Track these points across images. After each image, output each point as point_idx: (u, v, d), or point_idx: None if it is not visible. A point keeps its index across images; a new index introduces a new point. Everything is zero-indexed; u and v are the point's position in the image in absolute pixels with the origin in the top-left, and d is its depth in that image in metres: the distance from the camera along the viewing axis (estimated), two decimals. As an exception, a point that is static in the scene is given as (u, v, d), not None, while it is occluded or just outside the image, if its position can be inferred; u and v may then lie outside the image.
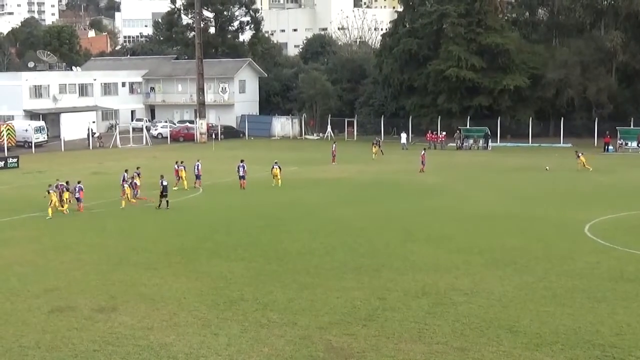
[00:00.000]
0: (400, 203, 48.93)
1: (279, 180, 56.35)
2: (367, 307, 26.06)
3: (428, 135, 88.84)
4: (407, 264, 32.14)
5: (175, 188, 53.72)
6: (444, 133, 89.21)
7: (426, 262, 32.32)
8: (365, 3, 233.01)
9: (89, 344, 22.87)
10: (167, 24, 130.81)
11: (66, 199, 46.58)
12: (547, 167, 64.51)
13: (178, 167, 55.96)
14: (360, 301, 26.65)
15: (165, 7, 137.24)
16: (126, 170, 51.80)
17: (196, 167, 56.33)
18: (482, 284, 28.78)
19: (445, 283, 28.86)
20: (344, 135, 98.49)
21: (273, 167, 56.98)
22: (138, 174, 52.04)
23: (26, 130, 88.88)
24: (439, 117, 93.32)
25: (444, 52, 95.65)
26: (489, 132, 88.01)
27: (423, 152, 66.15)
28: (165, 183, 47.33)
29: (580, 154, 65.24)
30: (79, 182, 47.69)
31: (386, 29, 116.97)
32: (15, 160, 71.89)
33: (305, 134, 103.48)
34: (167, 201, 47.03)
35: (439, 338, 23.07)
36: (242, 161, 56.16)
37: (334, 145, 74.13)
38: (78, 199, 46.87)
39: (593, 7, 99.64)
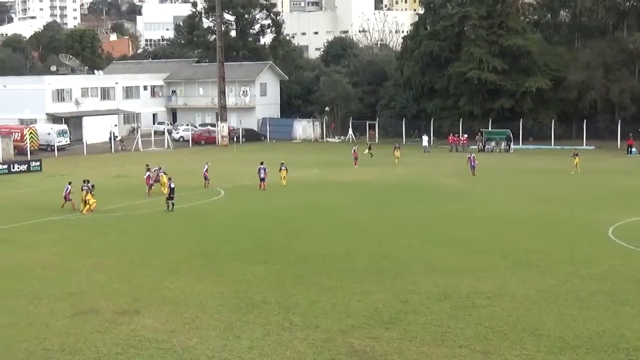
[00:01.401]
0: (422, 205, 48.82)
1: (284, 180, 57.76)
2: (390, 310, 25.99)
3: (450, 137, 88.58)
4: (429, 266, 32.07)
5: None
6: (466, 135, 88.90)
7: (448, 265, 32.24)
8: (386, 5, 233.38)
9: (112, 347, 22.93)
10: (189, 28, 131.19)
11: (88, 199, 47.09)
12: (573, 172, 63.90)
13: (158, 172, 55.77)
14: (383, 304, 26.60)
15: (186, 10, 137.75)
16: (147, 166, 55.04)
17: (204, 169, 57.36)
18: (505, 286, 28.65)
19: (467, 286, 28.75)
20: (365, 138, 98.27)
21: (280, 169, 58.06)
22: (164, 172, 54.23)
23: (49, 134, 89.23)
24: (461, 119, 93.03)
25: (466, 54, 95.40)
26: (511, 135, 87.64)
27: (471, 155, 65.56)
28: (172, 185, 47.57)
29: (576, 155, 65.18)
30: (69, 183, 49.03)
31: (407, 32, 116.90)
32: (38, 163, 72.24)
33: (326, 136, 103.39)
34: (173, 204, 47.10)
35: (461, 341, 22.98)
36: (261, 163, 56.48)
37: (355, 148, 74.00)
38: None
39: (616, 8, 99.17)
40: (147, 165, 57.11)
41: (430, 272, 30.95)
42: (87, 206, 46.96)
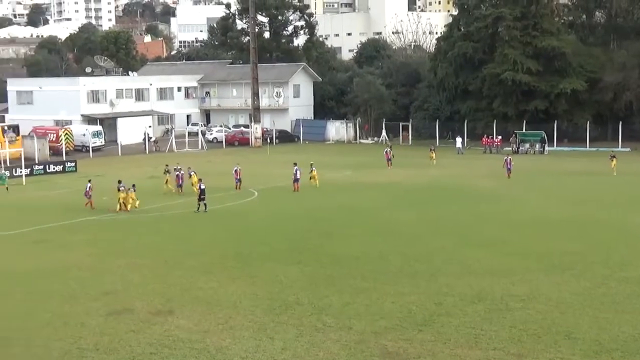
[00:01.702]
0: (456, 207, 48.58)
1: (317, 181, 58.05)
2: (423, 312, 25.92)
3: (484, 139, 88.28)
4: (463, 268, 31.92)
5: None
6: (500, 137, 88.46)
7: (482, 267, 32.07)
8: (419, 7, 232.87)
9: (146, 346, 23.07)
10: (222, 29, 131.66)
11: (125, 199, 47.56)
12: (615, 173, 63.18)
13: (182, 173, 56.09)
14: (416, 306, 26.52)
15: (220, 12, 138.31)
16: (166, 165, 57.60)
17: (235, 171, 57.40)
18: (539, 289, 28.45)
19: (501, 288, 28.59)
20: (399, 139, 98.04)
21: (311, 170, 58.20)
22: (195, 172, 55.06)
23: (84, 135, 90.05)
24: (495, 121, 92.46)
25: (500, 56, 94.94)
26: (545, 136, 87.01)
27: (508, 157, 64.93)
28: (203, 187, 47.73)
29: (613, 157, 64.59)
30: (89, 181, 50.46)
31: (441, 33, 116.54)
32: (73, 164, 72.90)
33: (359, 138, 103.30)
34: (205, 204, 47.29)
35: (495, 344, 22.85)
36: (295, 164, 56.60)
37: (387, 149, 73.65)
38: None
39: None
40: (167, 165, 57.74)
41: (464, 274, 30.82)
42: (127, 206, 47.50)
